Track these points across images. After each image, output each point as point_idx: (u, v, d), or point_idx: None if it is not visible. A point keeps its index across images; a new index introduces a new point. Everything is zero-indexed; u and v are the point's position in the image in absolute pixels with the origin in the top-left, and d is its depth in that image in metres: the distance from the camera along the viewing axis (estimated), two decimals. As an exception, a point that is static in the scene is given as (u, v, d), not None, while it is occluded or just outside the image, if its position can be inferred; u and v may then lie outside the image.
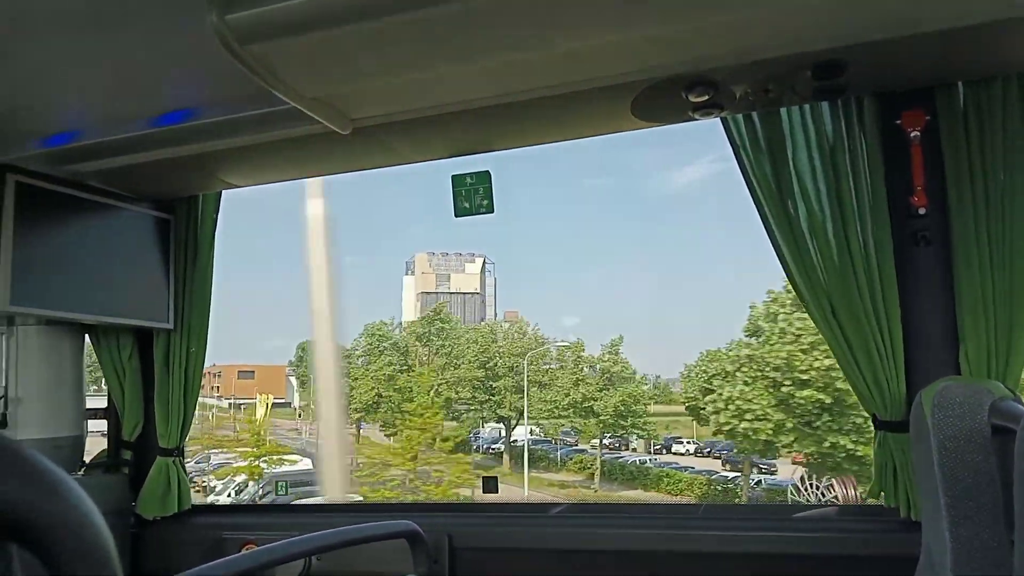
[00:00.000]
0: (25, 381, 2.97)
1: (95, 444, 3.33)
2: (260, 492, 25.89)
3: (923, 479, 1.64)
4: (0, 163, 2.56)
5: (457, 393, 36.48)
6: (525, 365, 34.95)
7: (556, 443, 37.26)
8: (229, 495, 26.60)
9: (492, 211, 2.73)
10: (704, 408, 27.54)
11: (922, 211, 2.26)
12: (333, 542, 2.28)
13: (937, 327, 2.26)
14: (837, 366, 2.67)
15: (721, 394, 25.84)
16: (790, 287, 2.47)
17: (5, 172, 2.56)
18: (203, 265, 3.18)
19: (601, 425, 33.14)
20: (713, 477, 30.37)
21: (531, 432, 35.46)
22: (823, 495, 21.30)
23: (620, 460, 34.49)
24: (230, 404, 51.54)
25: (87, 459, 3.23)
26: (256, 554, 2.02)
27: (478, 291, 78.03)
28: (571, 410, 33.86)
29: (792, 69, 2.07)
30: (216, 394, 53.78)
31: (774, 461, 28.16)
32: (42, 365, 3.03)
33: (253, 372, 57.43)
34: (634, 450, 36.22)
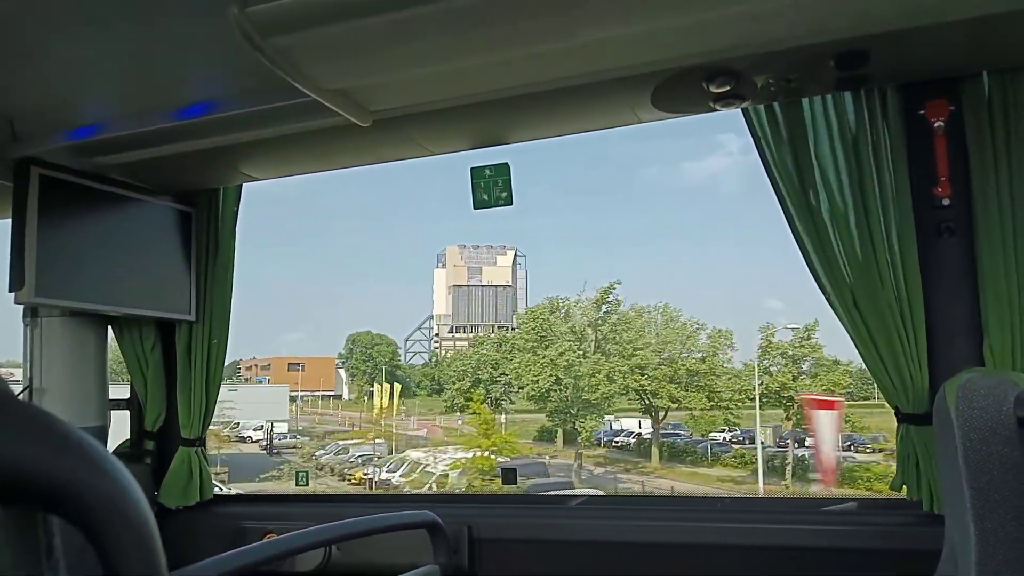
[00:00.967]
0: (49, 372, 3.01)
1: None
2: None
3: (947, 471, 1.63)
4: (24, 156, 2.59)
5: (636, 381, 34.08)
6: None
7: (703, 436, 35.01)
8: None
9: (511, 203, 2.73)
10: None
11: (946, 202, 2.24)
12: (353, 531, 2.30)
13: (961, 319, 2.24)
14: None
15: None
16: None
17: (29, 165, 2.59)
18: (224, 257, 3.21)
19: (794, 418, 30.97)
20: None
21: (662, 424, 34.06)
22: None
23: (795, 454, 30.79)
24: (297, 397, 51.82)
25: (110, 449, 3.27)
26: (277, 543, 2.04)
27: (509, 283, 78.00)
28: (736, 401, 32.27)
29: (815, 59, 2.06)
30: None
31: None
32: (66, 356, 3.06)
33: (302, 364, 57.85)
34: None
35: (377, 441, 37.95)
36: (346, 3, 1.67)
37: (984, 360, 2.17)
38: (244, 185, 3.19)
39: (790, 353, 32.15)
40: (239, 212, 3.24)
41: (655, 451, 34.25)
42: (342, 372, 59.99)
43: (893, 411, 2.34)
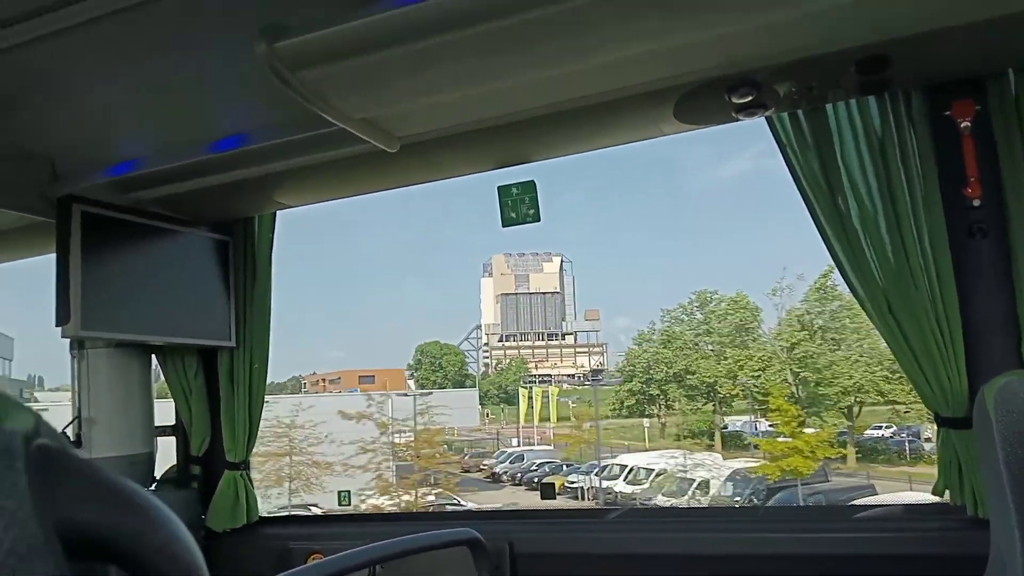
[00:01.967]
0: (97, 402, 3.09)
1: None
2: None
3: (990, 476, 1.61)
4: (66, 194, 2.67)
5: (872, 373, 32.07)
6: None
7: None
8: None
9: (539, 220, 2.75)
10: None
11: (976, 202, 2.21)
12: (396, 551, 2.33)
13: (997, 320, 2.21)
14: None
15: None
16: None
17: (71, 202, 2.67)
18: (262, 283, 3.27)
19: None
20: None
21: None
22: None
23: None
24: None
25: (157, 475, 3.34)
26: (322, 564, 2.08)
27: (557, 290, 77.91)
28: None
29: (836, 66, 2.05)
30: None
31: None
32: (112, 386, 3.14)
33: (373, 376, 58.21)
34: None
35: (545, 447, 36.87)
36: (368, 37, 1.71)
37: (1022, 361, 2.14)
38: (278, 212, 3.26)
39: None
40: (274, 239, 3.31)
41: (851, 449, 32.12)
42: (411, 383, 60.08)
43: (933, 416, 2.31)
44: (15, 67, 2.01)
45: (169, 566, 0.59)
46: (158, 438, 3.34)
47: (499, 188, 2.77)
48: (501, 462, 37.16)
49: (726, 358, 38.65)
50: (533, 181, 2.74)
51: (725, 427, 41.94)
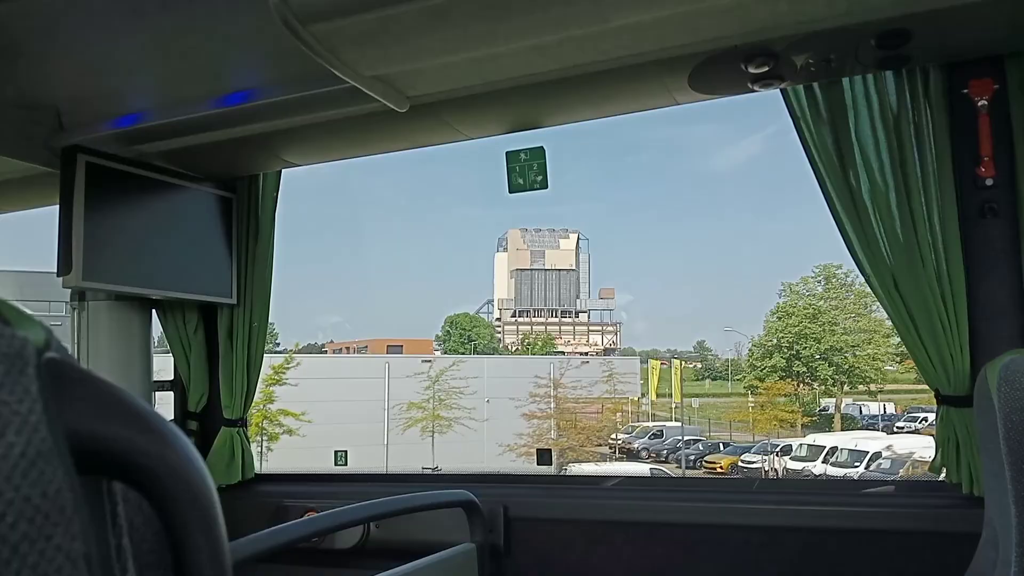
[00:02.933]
0: (96, 354, 3.08)
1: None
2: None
3: (988, 454, 1.61)
4: (71, 144, 2.64)
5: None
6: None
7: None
8: None
9: (546, 187, 2.73)
10: None
11: (989, 182, 2.20)
12: (391, 509, 2.35)
13: (1003, 300, 2.21)
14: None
15: None
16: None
17: (76, 153, 2.65)
18: (264, 242, 3.26)
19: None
20: None
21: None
22: None
23: None
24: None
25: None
26: (317, 520, 2.09)
27: (573, 267, 77.63)
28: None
29: (855, 38, 2.03)
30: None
31: None
32: (112, 339, 3.13)
33: (401, 346, 57.68)
34: None
35: (675, 423, 36.15)
36: None
37: None
38: (283, 170, 3.24)
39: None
40: (279, 197, 3.29)
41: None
42: (438, 354, 59.84)
43: (933, 393, 2.32)
44: (22, 15, 1.98)
45: (182, 488, 0.59)
46: (156, 393, 3.35)
47: (507, 153, 2.74)
48: (638, 437, 35.95)
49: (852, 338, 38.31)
50: (542, 147, 2.72)
51: (824, 409, 41.87)
